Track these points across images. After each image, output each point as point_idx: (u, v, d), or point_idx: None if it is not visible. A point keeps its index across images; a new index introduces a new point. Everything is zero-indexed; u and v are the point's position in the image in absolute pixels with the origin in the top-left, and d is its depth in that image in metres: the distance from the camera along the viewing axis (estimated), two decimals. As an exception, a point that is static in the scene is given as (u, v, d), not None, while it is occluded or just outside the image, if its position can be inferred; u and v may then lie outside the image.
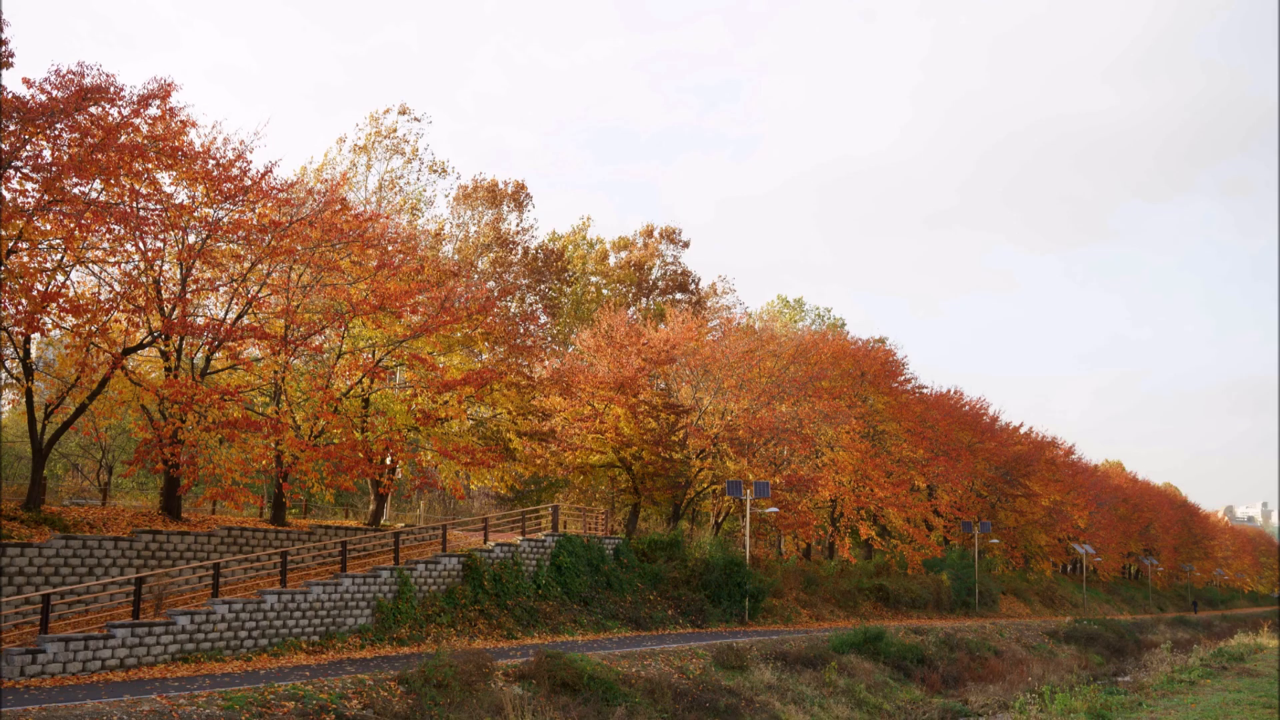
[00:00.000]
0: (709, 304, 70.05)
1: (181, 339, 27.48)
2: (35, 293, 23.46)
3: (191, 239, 27.69)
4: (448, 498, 50.16)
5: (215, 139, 28.30)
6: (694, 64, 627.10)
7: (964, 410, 68.73)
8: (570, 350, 55.35)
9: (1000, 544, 69.39)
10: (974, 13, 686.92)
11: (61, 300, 23.97)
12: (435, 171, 53.23)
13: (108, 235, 25.02)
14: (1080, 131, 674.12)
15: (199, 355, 30.11)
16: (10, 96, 23.15)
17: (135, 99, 25.51)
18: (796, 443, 48.95)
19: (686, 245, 73.86)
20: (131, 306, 25.79)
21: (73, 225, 23.47)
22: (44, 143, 23.90)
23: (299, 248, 28.75)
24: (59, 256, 25.05)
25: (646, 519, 51.50)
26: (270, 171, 28.66)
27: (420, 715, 20.32)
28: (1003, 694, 35.27)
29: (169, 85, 26.24)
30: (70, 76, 24.35)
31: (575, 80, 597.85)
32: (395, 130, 51.34)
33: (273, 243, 27.99)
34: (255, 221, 28.41)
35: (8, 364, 26.80)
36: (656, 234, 73.36)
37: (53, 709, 16.30)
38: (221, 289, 29.47)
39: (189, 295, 27.68)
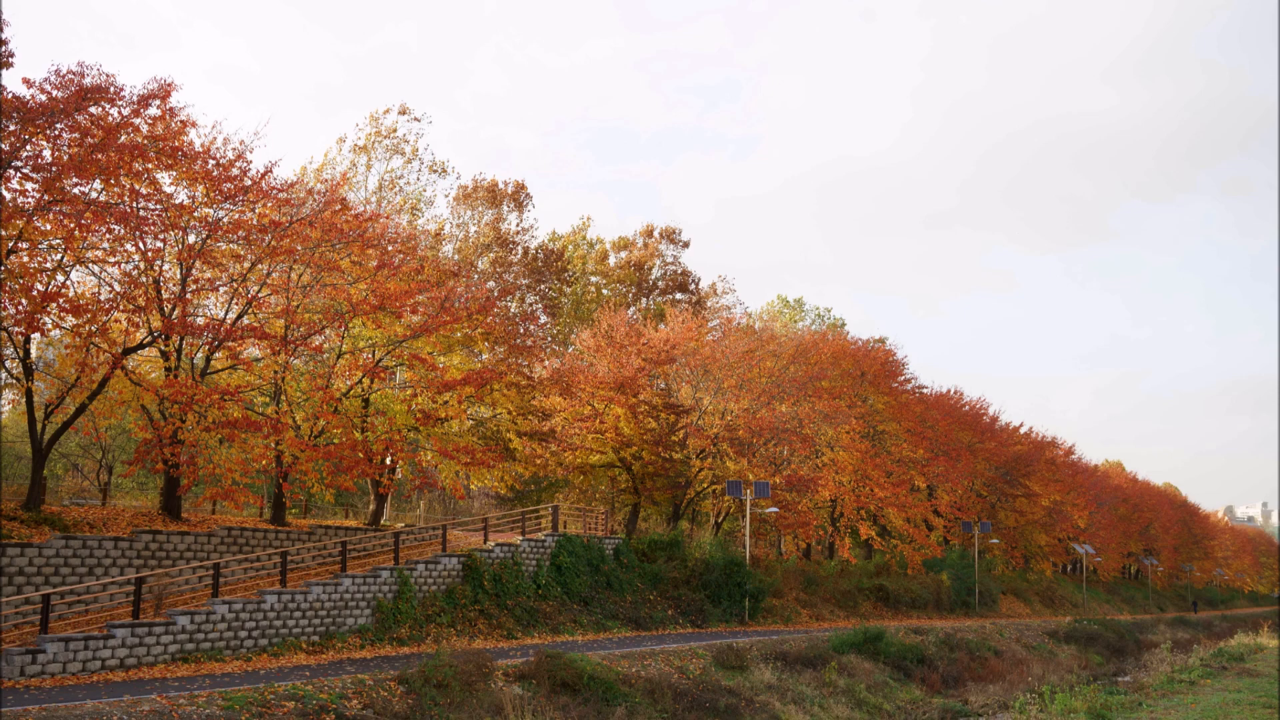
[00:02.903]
0: (709, 304, 70.06)
1: (181, 339, 27.48)
2: (35, 293, 23.47)
3: (191, 239, 27.70)
4: (448, 498, 50.17)
5: (215, 139, 28.37)
6: (694, 64, 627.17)
7: (964, 410, 68.77)
8: (570, 350, 55.36)
9: (1000, 544, 69.41)
10: (974, 13, 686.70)
11: (61, 300, 23.98)
12: (435, 171, 53.25)
13: (108, 235, 25.04)
14: (1080, 131, 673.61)
15: (199, 355, 30.12)
16: (10, 96, 23.16)
17: (135, 99, 25.52)
18: (796, 443, 48.97)
19: (686, 245, 73.91)
20: (131, 306, 25.80)
21: (73, 225, 23.47)
22: (44, 143, 23.92)
23: (299, 248, 28.76)
24: (59, 256, 25.07)
25: (646, 519, 51.50)
26: (270, 171, 28.69)
27: (420, 715, 20.33)
28: (1003, 694, 35.27)
29: (169, 85, 26.25)
30: (70, 76, 24.36)
31: (575, 80, 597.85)
32: (395, 130, 51.37)
33: (273, 243, 27.99)
34: (255, 221, 28.42)
35: (8, 364, 26.82)
36: (656, 234, 73.37)
37: (53, 709, 16.30)
38: (221, 289, 29.49)
39: (189, 295, 27.68)
